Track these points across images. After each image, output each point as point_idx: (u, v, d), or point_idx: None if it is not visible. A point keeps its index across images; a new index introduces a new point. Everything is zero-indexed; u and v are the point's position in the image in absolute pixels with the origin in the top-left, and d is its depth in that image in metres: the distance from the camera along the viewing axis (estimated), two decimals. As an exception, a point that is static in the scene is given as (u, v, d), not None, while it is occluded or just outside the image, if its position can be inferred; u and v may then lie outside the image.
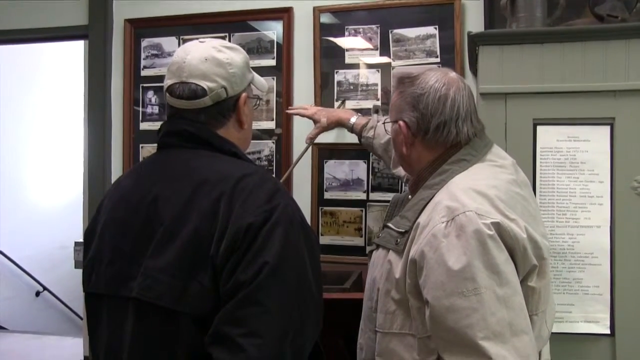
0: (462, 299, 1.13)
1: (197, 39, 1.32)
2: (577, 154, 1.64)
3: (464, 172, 1.29)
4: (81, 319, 4.22)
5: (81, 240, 2.98)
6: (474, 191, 1.22)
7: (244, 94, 1.29)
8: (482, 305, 1.12)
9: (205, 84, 1.22)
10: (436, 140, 1.33)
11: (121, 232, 1.21)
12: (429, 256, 1.18)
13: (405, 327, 1.25)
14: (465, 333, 1.11)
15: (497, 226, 1.16)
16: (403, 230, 1.28)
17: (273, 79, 2.47)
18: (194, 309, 1.08)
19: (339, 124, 2.11)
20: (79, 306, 4.23)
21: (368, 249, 1.46)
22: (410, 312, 1.24)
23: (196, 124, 1.24)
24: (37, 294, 4.91)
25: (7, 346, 4.24)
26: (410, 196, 1.43)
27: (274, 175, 2.41)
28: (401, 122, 1.35)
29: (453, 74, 1.36)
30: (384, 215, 2.30)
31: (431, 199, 1.27)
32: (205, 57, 1.24)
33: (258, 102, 1.42)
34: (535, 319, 1.24)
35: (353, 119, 2.05)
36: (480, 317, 1.11)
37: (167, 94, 1.26)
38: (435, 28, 2.29)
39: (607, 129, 1.62)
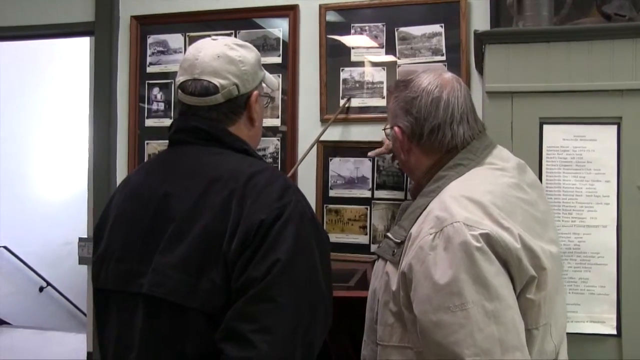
0: (448, 314, 1.09)
1: (203, 36, 1.34)
2: (584, 153, 1.63)
3: (460, 177, 1.26)
4: (85, 315, 4.23)
5: (85, 236, 2.99)
6: (466, 199, 1.18)
7: (255, 92, 1.30)
8: (469, 321, 1.08)
9: (217, 81, 1.23)
10: (432, 145, 1.31)
11: (131, 228, 1.21)
12: (416, 269, 1.15)
13: (404, 340, 1.22)
14: (453, 350, 1.08)
15: (486, 237, 1.12)
16: (399, 241, 1.25)
17: (279, 76, 2.47)
18: (205, 305, 1.09)
19: None
20: (83, 302, 4.24)
21: (372, 248, 1.43)
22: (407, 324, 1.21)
23: (208, 121, 1.25)
24: (41, 289, 4.93)
25: (11, 341, 4.26)
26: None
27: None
28: (396, 128, 1.34)
29: (448, 75, 1.34)
30: (388, 214, 2.31)
31: (426, 207, 1.24)
32: (217, 54, 1.25)
33: (269, 101, 1.43)
34: (535, 333, 1.19)
35: None
36: (467, 333, 1.08)
37: (179, 91, 1.27)
38: (441, 26, 2.28)
39: (614, 128, 1.62)
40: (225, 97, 1.25)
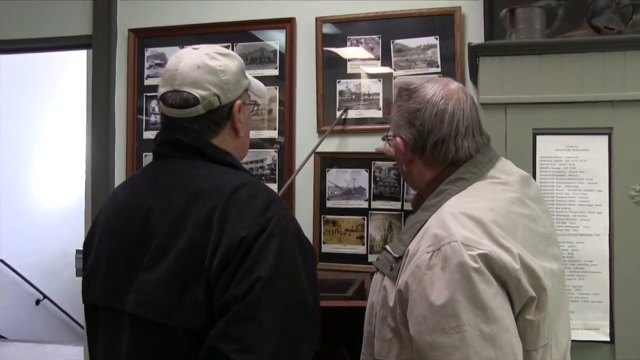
0: (444, 336, 1.06)
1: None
2: (576, 163, 1.66)
3: (461, 192, 1.22)
4: (82, 327, 4.22)
5: (82, 248, 2.99)
6: (465, 216, 1.14)
7: (238, 102, 1.27)
8: (464, 344, 1.05)
9: (197, 92, 1.21)
10: (435, 158, 1.27)
11: (116, 245, 1.20)
12: (412, 288, 1.12)
13: (402, 356, 1.19)
14: None
15: (484, 258, 1.08)
16: (397, 256, 1.21)
17: (276, 88, 2.49)
18: (188, 323, 1.08)
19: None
20: (80, 314, 4.22)
21: (370, 259, 1.37)
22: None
23: (190, 133, 1.23)
24: (38, 302, 4.90)
25: (7, 355, 4.23)
26: None
27: (276, 184, 2.43)
28: (399, 139, 1.30)
29: (454, 85, 1.30)
30: (385, 224, 2.33)
31: (425, 222, 1.20)
32: (197, 64, 1.22)
33: (255, 108, 1.40)
34: (534, 355, 1.15)
35: None
36: (462, 356, 1.05)
37: (161, 102, 1.25)
38: (436, 38, 2.32)
39: (606, 138, 1.65)
40: (206, 108, 1.22)
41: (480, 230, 1.12)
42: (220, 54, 1.26)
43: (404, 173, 1.35)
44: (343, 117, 2.39)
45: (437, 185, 1.26)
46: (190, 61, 1.23)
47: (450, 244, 1.10)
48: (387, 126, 2.09)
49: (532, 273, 1.12)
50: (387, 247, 1.27)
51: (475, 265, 1.07)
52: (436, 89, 1.27)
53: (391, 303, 1.19)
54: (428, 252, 1.12)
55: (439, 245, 1.11)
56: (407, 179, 1.38)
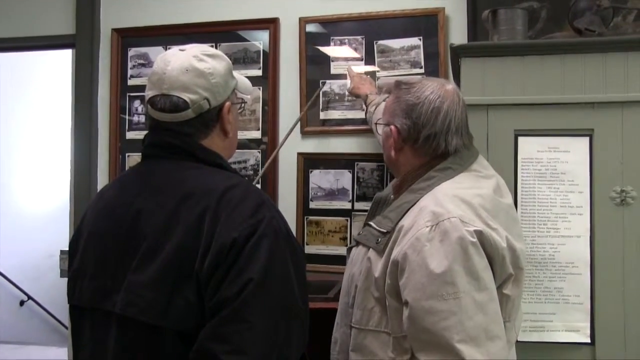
0: (441, 301, 1.16)
1: (183, 48, 1.30)
2: (558, 164, 1.66)
3: (449, 179, 1.32)
4: (66, 328, 4.18)
5: (67, 248, 2.96)
6: (458, 199, 1.26)
7: (227, 103, 1.27)
8: (460, 309, 1.16)
9: (186, 96, 1.19)
10: (425, 150, 1.37)
11: (104, 245, 1.19)
12: (411, 259, 1.21)
13: (381, 325, 1.29)
14: (442, 335, 1.15)
15: (479, 234, 1.20)
16: (385, 231, 1.30)
17: (259, 88, 2.48)
18: (178, 324, 1.08)
19: (357, 96, 2.26)
20: (64, 315, 4.19)
21: (350, 242, 1.47)
22: (386, 310, 1.27)
23: (179, 135, 1.22)
24: (22, 303, 4.86)
25: (-10, 357, 4.19)
26: (392, 196, 1.46)
27: (259, 186, 2.42)
28: (393, 127, 1.39)
29: (450, 86, 1.40)
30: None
31: (415, 203, 1.30)
32: (186, 67, 1.21)
33: (243, 106, 1.40)
34: (507, 326, 1.27)
35: (370, 95, 2.18)
36: (457, 320, 1.15)
37: (149, 106, 1.24)
38: (420, 39, 2.32)
39: (586, 140, 1.65)
40: (196, 112, 1.21)
41: (471, 212, 1.24)
42: (208, 55, 1.25)
43: (390, 159, 1.43)
44: (321, 91, 2.40)
45: (425, 172, 1.36)
46: (178, 64, 1.21)
47: (450, 220, 1.21)
48: (369, 127, 2.12)
49: (514, 253, 1.26)
50: (371, 222, 1.36)
51: (473, 240, 1.19)
52: (434, 87, 1.37)
53: (377, 274, 1.28)
54: (427, 227, 1.22)
55: (437, 220, 1.22)
56: (391, 165, 1.46)
